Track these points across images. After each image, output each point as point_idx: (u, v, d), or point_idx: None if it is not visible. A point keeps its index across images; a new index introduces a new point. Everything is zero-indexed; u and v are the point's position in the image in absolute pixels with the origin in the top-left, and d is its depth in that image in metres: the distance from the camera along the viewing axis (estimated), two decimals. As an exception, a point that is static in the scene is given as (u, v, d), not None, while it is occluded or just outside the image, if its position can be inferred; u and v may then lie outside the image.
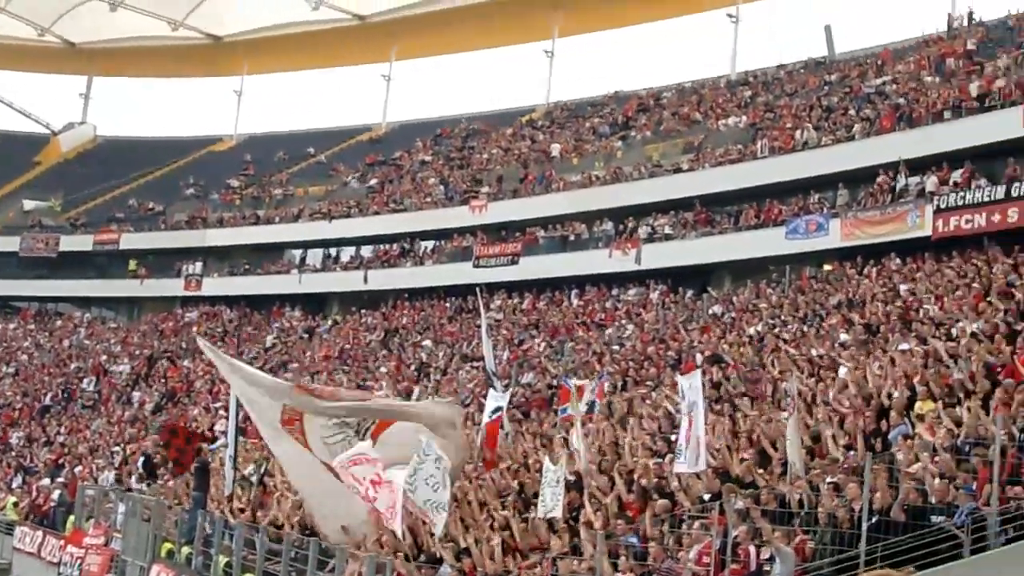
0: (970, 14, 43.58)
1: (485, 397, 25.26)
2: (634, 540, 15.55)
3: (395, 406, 20.40)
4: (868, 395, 18.81)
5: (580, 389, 22.92)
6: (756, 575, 13.82)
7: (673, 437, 19.14)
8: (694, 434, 16.34)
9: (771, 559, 13.59)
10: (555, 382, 29.99)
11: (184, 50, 76.02)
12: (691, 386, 16.99)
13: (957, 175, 32.37)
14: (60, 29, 77.23)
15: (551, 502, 17.03)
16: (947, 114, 34.44)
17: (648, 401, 24.44)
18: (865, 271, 31.28)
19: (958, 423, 15.86)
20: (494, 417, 22.21)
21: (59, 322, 62.66)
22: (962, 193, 31.42)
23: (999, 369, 17.86)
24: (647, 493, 17.13)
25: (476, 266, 46.88)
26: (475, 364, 35.03)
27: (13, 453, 42.41)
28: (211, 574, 21.48)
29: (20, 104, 79.87)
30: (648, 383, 26.77)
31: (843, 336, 24.59)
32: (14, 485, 37.27)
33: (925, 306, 24.41)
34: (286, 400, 19.69)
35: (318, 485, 19.20)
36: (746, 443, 18.38)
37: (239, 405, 22.11)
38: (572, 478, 18.59)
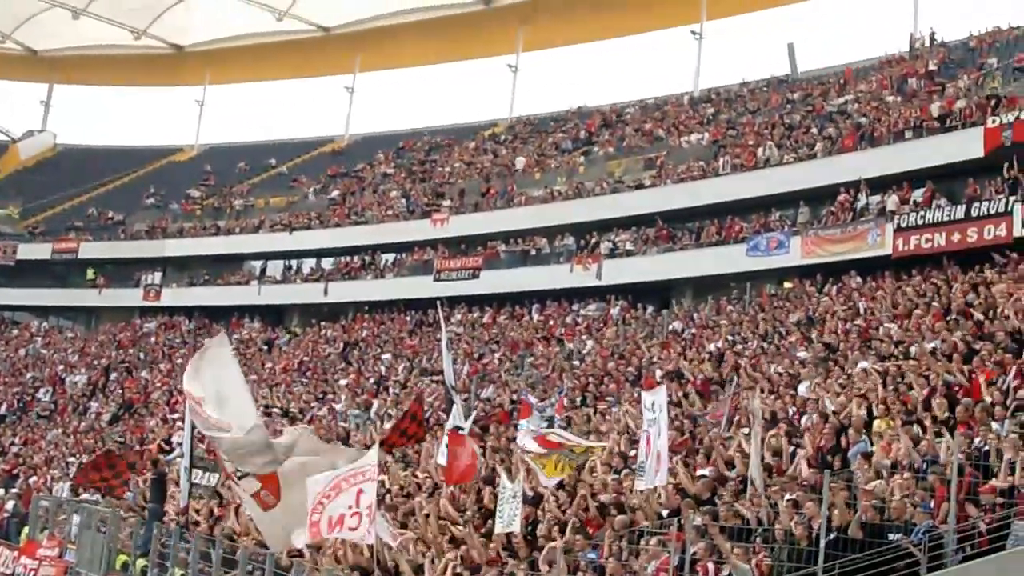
0: (932, 35, 43.98)
1: (445, 411, 25.09)
2: (593, 556, 15.50)
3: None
4: (825, 413, 18.87)
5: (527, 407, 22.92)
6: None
7: (632, 453, 19.10)
8: (655, 450, 16.30)
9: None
10: (515, 396, 29.94)
11: (146, 59, 75.49)
12: (655, 402, 16.93)
13: (918, 194, 32.61)
14: (22, 36, 76.57)
15: (508, 517, 16.95)
16: (908, 134, 34.71)
17: (608, 416, 24.41)
18: (825, 289, 31.43)
19: (916, 441, 15.91)
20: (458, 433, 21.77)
21: (15, 331, 61.98)
22: (922, 212, 31.65)
23: (957, 388, 17.96)
24: (605, 509, 17.09)
25: (437, 279, 46.77)
26: (435, 378, 34.89)
27: (-33, 463, 41.91)
28: (166, 586, 21.28)
29: (-21, 111, 79.37)
30: (608, 399, 26.76)
31: (802, 354, 24.68)
32: (-33, 495, 36.79)
33: (884, 324, 24.53)
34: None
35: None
36: (704, 460, 18.38)
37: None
38: (531, 493, 18.53)
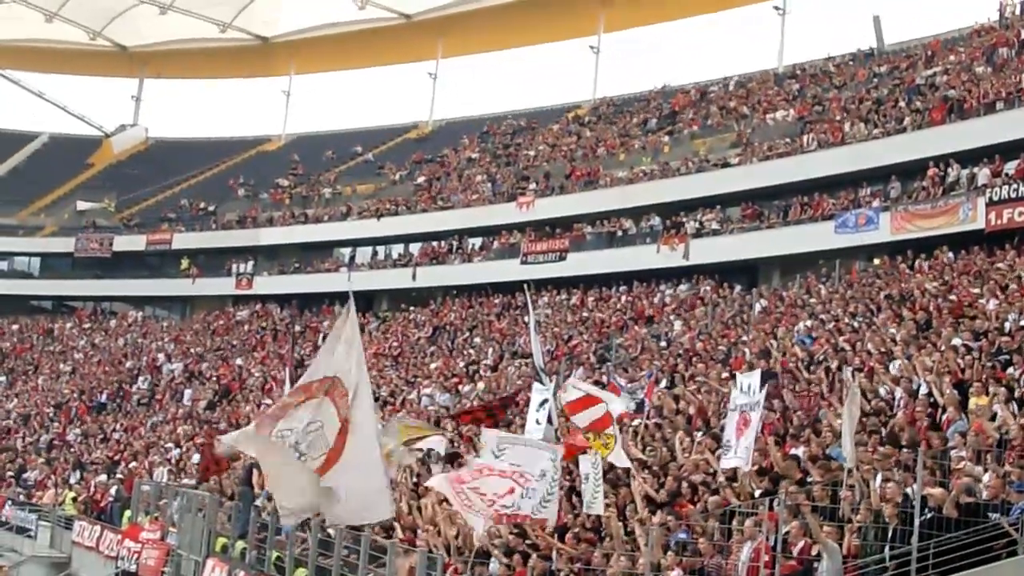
0: (1022, 3, 43.01)
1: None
2: (683, 536, 15.53)
3: None
4: (916, 390, 18.68)
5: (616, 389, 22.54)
6: (805, 572, 13.74)
7: (721, 431, 19.04)
8: (749, 431, 16.24)
9: (819, 555, 13.53)
10: (604, 379, 29.94)
11: (233, 51, 76.65)
12: (751, 385, 16.85)
13: (1011, 167, 32.03)
14: (111, 33, 78.02)
15: (590, 497, 16.93)
16: (1000, 105, 34.11)
17: (698, 397, 24.34)
18: (916, 265, 31.02)
19: (1012, 418, 15.71)
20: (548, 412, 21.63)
21: (113, 321, 63.46)
22: (1015, 185, 31.11)
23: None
24: (697, 489, 17.11)
25: (524, 263, 46.96)
26: (524, 360, 35.05)
27: (71, 449, 43.00)
28: (264, 568, 21.70)
29: (73, 107, 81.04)
30: (697, 379, 26.67)
31: (894, 331, 24.39)
32: (72, 481, 37.76)
33: (978, 300, 24.17)
34: None
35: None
36: (795, 440, 18.29)
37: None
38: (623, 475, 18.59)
